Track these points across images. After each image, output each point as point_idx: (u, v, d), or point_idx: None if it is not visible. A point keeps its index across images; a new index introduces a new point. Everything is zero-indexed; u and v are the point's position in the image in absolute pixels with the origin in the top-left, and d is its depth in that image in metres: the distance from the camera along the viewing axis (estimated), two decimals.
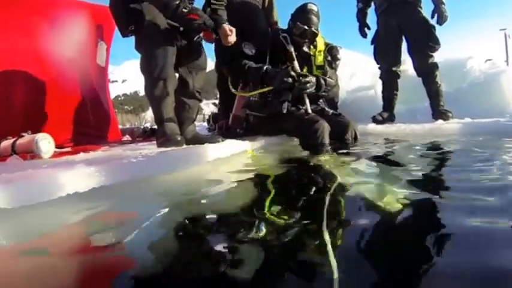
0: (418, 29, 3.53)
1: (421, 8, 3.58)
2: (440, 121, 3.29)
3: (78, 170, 1.21)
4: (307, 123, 2.27)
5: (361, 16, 4.06)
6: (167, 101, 2.21)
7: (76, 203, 1.11)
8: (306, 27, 2.68)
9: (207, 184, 1.44)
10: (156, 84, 2.17)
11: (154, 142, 2.36)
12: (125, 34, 2.29)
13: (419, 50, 3.55)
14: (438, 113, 3.43)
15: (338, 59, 3.35)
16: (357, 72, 5.89)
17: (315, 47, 2.87)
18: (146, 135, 4.73)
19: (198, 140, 2.34)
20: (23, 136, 2.31)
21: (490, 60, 5.05)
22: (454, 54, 5.47)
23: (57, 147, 2.41)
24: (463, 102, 3.91)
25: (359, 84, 5.46)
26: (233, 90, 2.80)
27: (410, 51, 3.65)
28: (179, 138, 2.15)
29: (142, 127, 5.36)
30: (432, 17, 3.50)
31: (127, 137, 4.39)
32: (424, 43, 3.50)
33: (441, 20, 3.46)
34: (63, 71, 3.21)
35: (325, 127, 2.23)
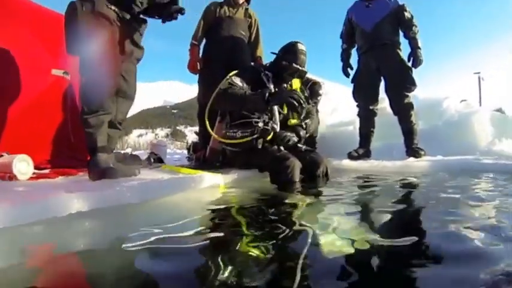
0: (396, 70, 3.72)
1: (399, 50, 3.81)
2: (412, 159, 3.42)
3: (56, 196, 1.29)
4: (278, 160, 2.29)
5: (345, 56, 4.23)
6: (102, 129, 2.18)
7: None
8: (299, 67, 2.73)
9: (170, 218, 1.41)
10: (93, 111, 2.14)
11: (134, 167, 2.35)
12: (71, 51, 2.23)
13: (396, 90, 3.72)
14: (411, 150, 3.56)
15: (320, 95, 3.45)
16: (338, 108, 6.06)
17: (291, 85, 2.93)
18: (127, 161, 4.72)
19: None
20: (1, 156, 2.30)
21: (464, 100, 5.32)
22: (434, 93, 5.71)
23: (35, 167, 2.40)
24: (438, 139, 4.13)
25: (340, 119, 5.62)
26: (209, 130, 2.77)
27: (387, 91, 3.82)
28: (114, 172, 2.07)
29: (122, 152, 5.32)
30: (408, 60, 3.71)
31: None
32: (401, 84, 3.68)
33: (416, 64, 3.66)
34: (43, 87, 3.15)
35: (296, 164, 2.25)
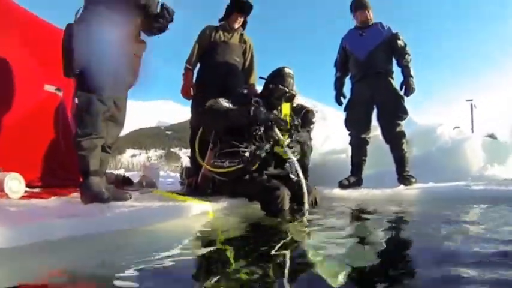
0: (388, 99, 3.76)
1: (392, 78, 3.86)
2: (402, 186, 3.45)
3: (48, 220, 1.36)
4: (268, 191, 2.29)
5: (339, 85, 4.24)
6: (95, 153, 2.21)
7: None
8: (286, 89, 2.76)
9: (159, 245, 1.45)
10: (87, 134, 2.17)
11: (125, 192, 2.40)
12: (67, 74, 2.27)
13: (388, 118, 3.76)
14: (402, 178, 3.57)
15: (313, 123, 3.45)
16: (331, 135, 6.12)
17: (280, 112, 2.93)
18: (119, 183, 4.67)
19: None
20: None
21: (458, 127, 5.42)
22: (428, 120, 5.82)
23: (26, 185, 2.39)
24: (432, 166, 4.17)
25: (332, 147, 5.67)
26: (198, 159, 2.78)
27: (379, 120, 3.86)
28: (106, 196, 2.09)
29: (115, 173, 5.28)
30: (401, 88, 3.75)
31: None
32: (393, 112, 3.71)
33: (408, 92, 3.70)
34: (35, 103, 3.12)
35: (285, 194, 2.26)
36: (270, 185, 2.34)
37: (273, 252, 1.19)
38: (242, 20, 3.69)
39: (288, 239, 1.50)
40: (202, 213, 2.15)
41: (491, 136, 6.41)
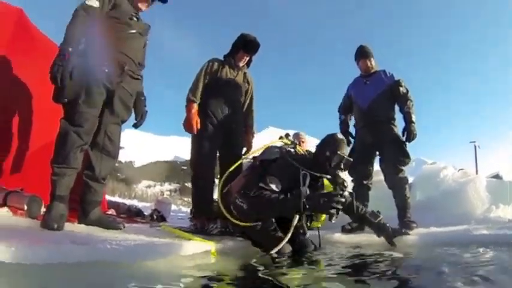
0: (390, 145, 3.85)
1: (394, 125, 3.96)
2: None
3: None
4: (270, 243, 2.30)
5: (344, 126, 4.38)
6: (64, 180, 2.31)
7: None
8: (345, 155, 2.56)
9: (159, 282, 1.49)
10: (58, 163, 2.31)
11: (135, 225, 2.48)
12: (57, 100, 2.34)
13: (390, 165, 3.85)
14: (403, 223, 3.60)
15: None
16: None
17: (322, 186, 2.74)
18: (131, 214, 4.85)
19: (101, 223, 2.54)
20: (17, 192, 2.55)
21: (462, 169, 5.41)
22: (432, 160, 5.84)
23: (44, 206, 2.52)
24: (434, 210, 4.21)
25: None
26: (223, 210, 2.57)
27: (381, 166, 3.95)
28: (55, 226, 2.11)
29: (128, 205, 5.45)
30: (403, 134, 3.83)
31: (112, 211, 4.45)
32: (395, 158, 3.80)
33: (409, 138, 3.78)
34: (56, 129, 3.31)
35: (285, 249, 2.29)
36: (274, 238, 2.34)
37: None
38: (248, 58, 3.66)
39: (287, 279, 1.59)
40: (206, 251, 2.24)
41: (497, 176, 6.35)
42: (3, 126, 3.00)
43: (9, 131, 3.02)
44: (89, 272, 1.47)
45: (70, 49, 2.23)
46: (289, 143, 2.91)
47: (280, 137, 3.05)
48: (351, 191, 2.74)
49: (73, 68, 2.22)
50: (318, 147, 2.71)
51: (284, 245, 2.24)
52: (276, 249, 2.19)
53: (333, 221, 2.21)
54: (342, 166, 2.55)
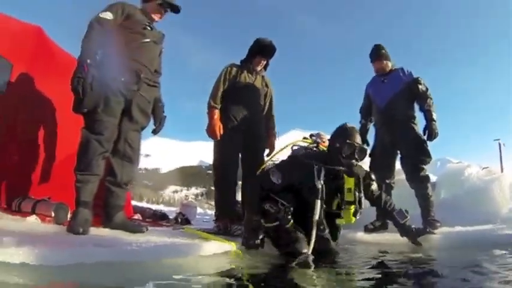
0: (411, 145, 3.80)
1: (414, 124, 3.88)
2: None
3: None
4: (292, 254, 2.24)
5: (363, 131, 4.23)
6: (88, 187, 2.39)
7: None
8: (355, 143, 2.44)
9: (178, 278, 1.54)
10: (81, 170, 2.39)
11: (159, 228, 2.56)
12: (77, 111, 2.41)
13: (411, 164, 3.78)
14: (427, 222, 3.53)
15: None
16: None
17: (343, 184, 2.50)
18: (156, 218, 4.98)
19: (125, 226, 2.61)
20: (45, 200, 2.74)
21: (486, 168, 5.29)
22: (457, 159, 5.71)
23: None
24: (460, 209, 4.12)
25: None
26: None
27: (403, 165, 3.90)
28: (81, 231, 2.20)
29: (153, 209, 5.59)
30: (424, 133, 3.73)
31: (138, 216, 4.59)
32: (416, 157, 3.73)
33: (431, 137, 3.68)
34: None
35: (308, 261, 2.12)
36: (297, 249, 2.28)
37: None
38: (265, 63, 3.72)
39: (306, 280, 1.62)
40: (226, 252, 2.30)
41: None
42: (31, 140, 3.18)
43: (36, 144, 3.20)
44: (111, 271, 1.54)
45: (88, 61, 2.33)
46: (311, 142, 2.94)
47: (304, 138, 3.09)
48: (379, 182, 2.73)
49: (93, 79, 2.31)
50: (330, 139, 2.64)
51: (303, 247, 2.22)
52: (295, 262, 2.08)
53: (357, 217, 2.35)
54: (356, 156, 2.45)
